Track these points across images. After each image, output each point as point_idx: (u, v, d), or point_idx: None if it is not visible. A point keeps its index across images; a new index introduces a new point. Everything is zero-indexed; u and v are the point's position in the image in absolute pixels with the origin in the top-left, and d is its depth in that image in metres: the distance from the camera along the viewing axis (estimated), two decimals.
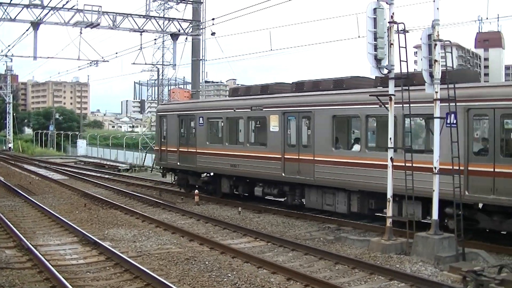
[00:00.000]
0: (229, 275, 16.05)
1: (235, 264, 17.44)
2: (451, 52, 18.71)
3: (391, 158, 19.03)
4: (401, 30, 18.98)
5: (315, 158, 24.58)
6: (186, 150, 32.68)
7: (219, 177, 31.16)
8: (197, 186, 33.19)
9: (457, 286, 14.61)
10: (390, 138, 19.11)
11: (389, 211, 19.24)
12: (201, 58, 44.73)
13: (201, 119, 31.50)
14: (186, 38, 45.65)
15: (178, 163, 33.37)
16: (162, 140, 35.27)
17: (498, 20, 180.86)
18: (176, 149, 33.41)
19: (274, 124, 26.56)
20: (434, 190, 18.19)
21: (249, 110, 28.15)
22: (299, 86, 26.99)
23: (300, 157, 25.40)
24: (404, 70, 18.86)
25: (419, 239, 18.17)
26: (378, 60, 18.82)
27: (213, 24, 40.43)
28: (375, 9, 18.87)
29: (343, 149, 24.62)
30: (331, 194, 24.46)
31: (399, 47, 18.83)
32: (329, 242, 20.79)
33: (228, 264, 17.41)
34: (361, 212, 23.73)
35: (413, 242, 18.36)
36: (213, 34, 42.85)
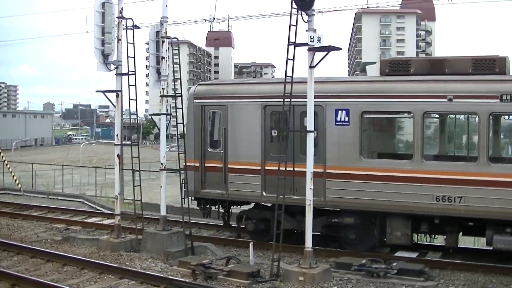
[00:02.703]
0: None
1: None
2: (178, 49, 18.94)
3: (117, 155, 18.88)
4: (129, 26, 18.83)
5: None
6: (289, 169, 16.73)
7: (380, 218, 18.21)
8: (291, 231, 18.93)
9: (186, 280, 14.80)
10: (117, 135, 18.91)
11: (117, 208, 19.09)
12: None
13: (342, 113, 18.05)
14: None
15: (264, 193, 18.95)
16: (209, 149, 20.31)
17: (228, 20, 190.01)
18: (258, 168, 19.00)
19: None
20: (161, 186, 18.41)
21: (497, 101, 15.77)
22: None
23: None
24: (132, 66, 18.71)
25: (148, 236, 18.19)
26: (105, 56, 18.47)
27: None
28: (103, 4, 18.51)
29: None
30: None
31: (127, 43, 18.67)
32: (57, 243, 20.00)
33: None
34: None
35: (142, 239, 18.35)
36: None
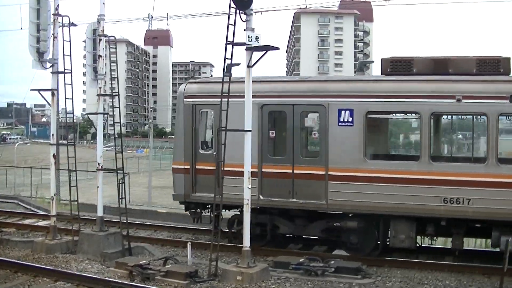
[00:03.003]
0: None
1: None
2: (115, 48, 18.67)
3: (53, 155, 18.55)
4: (66, 23, 18.51)
5: None
6: (288, 171, 17.99)
7: (384, 222, 17.80)
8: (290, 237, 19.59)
9: (123, 282, 14.63)
10: (53, 135, 18.53)
11: (53, 209, 18.67)
12: None
13: (345, 113, 17.50)
14: None
15: (261, 197, 18.24)
16: (201, 151, 19.31)
17: (167, 19, 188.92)
18: (254, 170, 17.63)
19: None
20: (98, 187, 18.14)
21: (507, 101, 16.01)
22: None
23: None
24: (68, 65, 18.43)
25: (84, 237, 17.89)
26: (40, 53, 18.12)
27: None
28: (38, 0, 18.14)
29: None
30: None
31: (63, 40, 18.35)
32: None
33: None
34: None
35: (78, 240, 18.04)
36: None
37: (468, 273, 16.37)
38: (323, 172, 17.46)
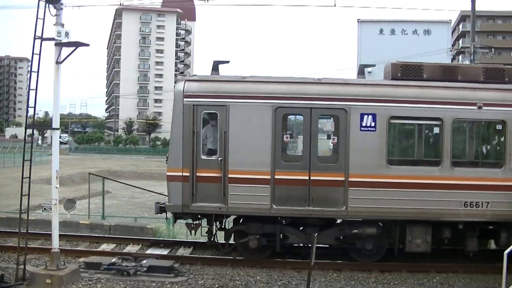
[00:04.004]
0: None
1: None
2: None
3: None
4: None
5: None
6: (304, 178, 16.95)
7: (400, 226, 17.55)
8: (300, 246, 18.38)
9: None
10: None
11: None
12: None
13: (367, 118, 16.97)
14: None
15: (274, 206, 16.92)
16: (203, 157, 17.33)
17: None
18: (267, 177, 16.94)
19: None
20: None
21: None
22: None
23: None
24: None
25: None
26: None
27: None
28: None
29: None
30: None
31: None
32: None
33: None
34: None
35: None
36: None
37: (279, 268, 17.02)
38: (343, 178, 16.86)
